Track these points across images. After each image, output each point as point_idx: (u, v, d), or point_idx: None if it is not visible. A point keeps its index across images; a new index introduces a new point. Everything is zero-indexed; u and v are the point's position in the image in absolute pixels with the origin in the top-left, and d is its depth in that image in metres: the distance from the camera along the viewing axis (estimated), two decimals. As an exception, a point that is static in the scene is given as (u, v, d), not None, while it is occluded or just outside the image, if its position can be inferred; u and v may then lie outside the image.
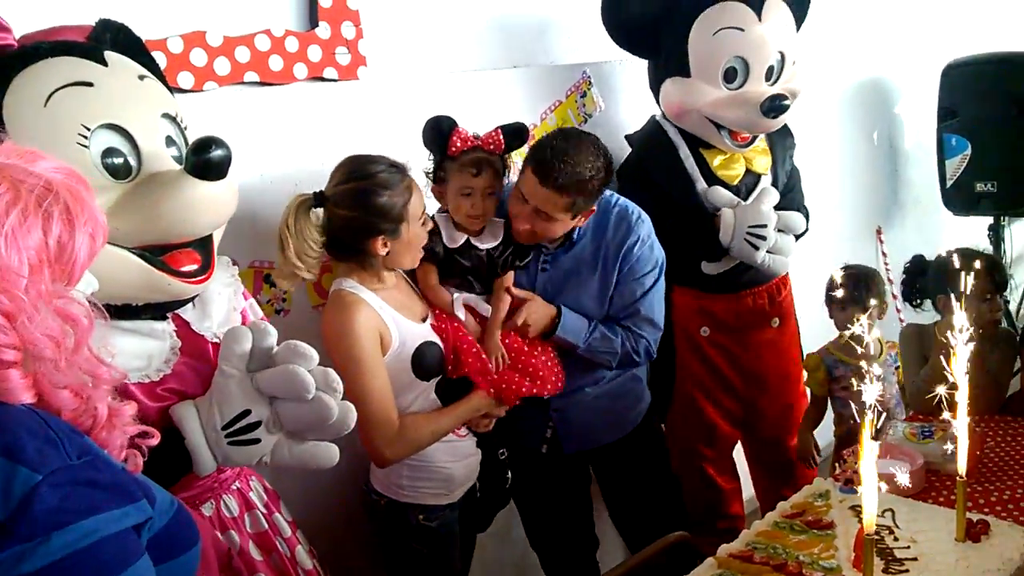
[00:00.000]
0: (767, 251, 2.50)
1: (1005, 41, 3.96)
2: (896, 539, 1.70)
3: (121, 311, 1.41)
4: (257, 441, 1.39)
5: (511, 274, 2.09)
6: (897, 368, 2.62)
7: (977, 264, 2.13)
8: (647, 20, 2.48)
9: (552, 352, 2.12)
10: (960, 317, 1.65)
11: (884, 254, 4.08)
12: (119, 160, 1.38)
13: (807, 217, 2.67)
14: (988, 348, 2.32)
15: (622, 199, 2.22)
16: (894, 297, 3.56)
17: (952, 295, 1.72)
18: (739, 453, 2.93)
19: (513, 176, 2.17)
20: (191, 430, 1.38)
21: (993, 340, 2.37)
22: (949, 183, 3.96)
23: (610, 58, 2.69)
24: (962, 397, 1.64)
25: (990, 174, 3.83)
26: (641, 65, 2.64)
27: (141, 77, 1.48)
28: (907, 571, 1.60)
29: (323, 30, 2.09)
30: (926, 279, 2.54)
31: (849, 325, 2.39)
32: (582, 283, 2.16)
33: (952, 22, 4.22)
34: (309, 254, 1.77)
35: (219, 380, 1.40)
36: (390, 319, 1.84)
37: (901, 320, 3.69)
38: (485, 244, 2.05)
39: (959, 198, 3.93)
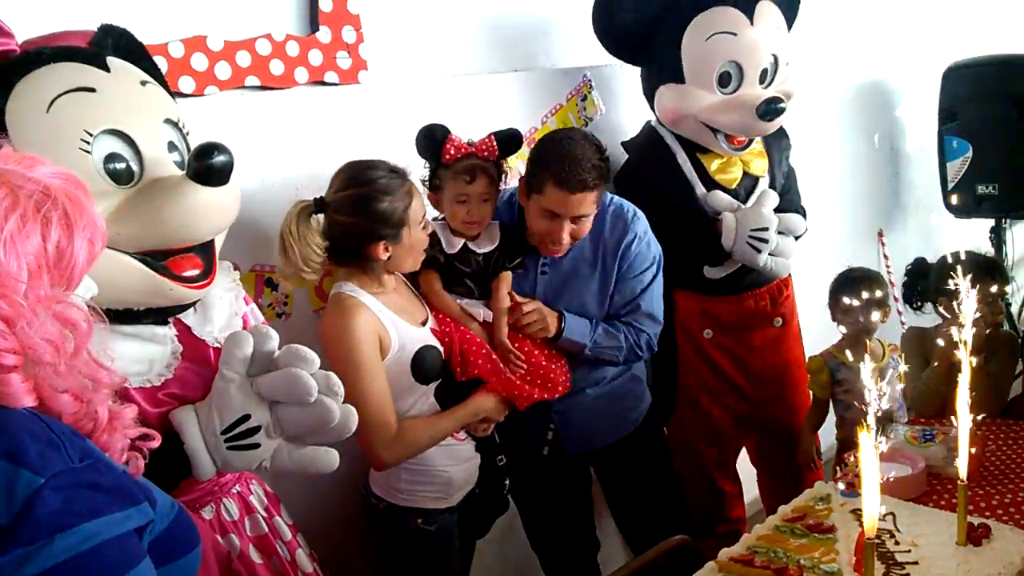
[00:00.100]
0: (769, 254, 2.51)
1: (1006, 43, 3.96)
2: (897, 543, 1.70)
3: (123, 316, 1.42)
4: (257, 446, 1.39)
5: (508, 275, 2.10)
6: (899, 371, 2.62)
7: (978, 267, 2.13)
8: (639, 27, 2.49)
9: (559, 352, 2.14)
10: (961, 321, 1.66)
11: (886, 256, 4.07)
12: (121, 165, 1.38)
13: (804, 216, 2.67)
14: (989, 351, 2.32)
15: (616, 198, 2.24)
16: (895, 300, 3.56)
17: (953, 298, 1.72)
18: (740, 456, 2.93)
19: (511, 182, 2.18)
20: (190, 435, 1.38)
21: (994, 343, 2.37)
22: (950, 185, 3.96)
23: (611, 61, 2.70)
24: (963, 400, 1.65)
25: (991, 176, 3.82)
26: (642, 68, 2.64)
27: (143, 83, 1.48)
28: (908, 575, 1.60)
29: (324, 34, 2.10)
30: (927, 282, 2.54)
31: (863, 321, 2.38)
32: (582, 284, 2.17)
33: (953, 24, 4.22)
34: (313, 259, 1.78)
35: (219, 384, 1.40)
36: (390, 323, 1.85)
37: (902, 323, 3.69)
38: (483, 248, 2.07)
39: (960, 200, 3.92)
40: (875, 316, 2.35)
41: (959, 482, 1.67)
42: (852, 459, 1.92)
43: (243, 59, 1.96)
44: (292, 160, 2.06)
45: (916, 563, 1.63)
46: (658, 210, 2.33)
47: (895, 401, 2.54)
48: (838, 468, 2.04)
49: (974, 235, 4.00)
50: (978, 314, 1.70)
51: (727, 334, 2.67)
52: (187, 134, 1.53)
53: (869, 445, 1.37)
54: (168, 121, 1.48)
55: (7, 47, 1.36)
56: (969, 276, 1.75)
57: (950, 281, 1.77)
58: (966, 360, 1.65)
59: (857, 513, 1.72)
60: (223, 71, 1.93)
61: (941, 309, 2.45)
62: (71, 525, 0.82)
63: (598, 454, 2.37)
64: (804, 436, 2.67)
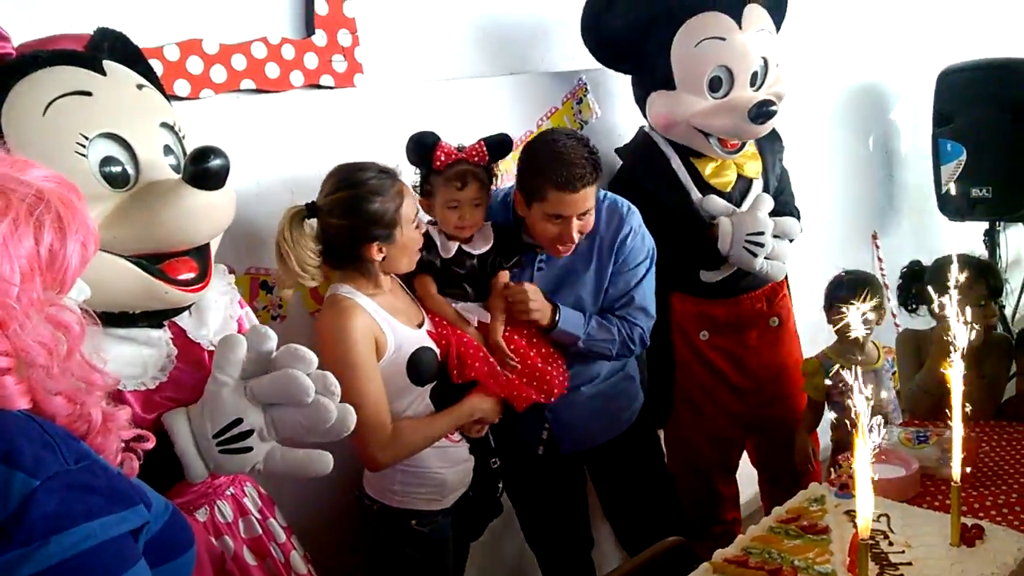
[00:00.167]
0: (765, 257, 2.52)
1: (1000, 47, 3.98)
2: (891, 544, 1.71)
3: (118, 319, 1.42)
4: (249, 449, 1.38)
5: (505, 273, 2.11)
6: (894, 373, 2.63)
7: (971, 270, 2.14)
8: (628, 36, 2.50)
9: (556, 352, 2.15)
10: (954, 323, 1.66)
11: (880, 259, 4.08)
12: (117, 169, 1.38)
13: (798, 218, 2.68)
14: (983, 353, 2.33)
15: (610, 194, 2.25)
16: (889, 302, 3.57)
17: (946, 301, 1.73)
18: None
19: (501, 183, 2.18)
20: (180, 437, 1.38)
21: (988, 345, 2.38)
22: (944, 188, 3.97)
23: (606, 65, 2.70)
24: (957, 402, 1.65)
25: (985, 179, 3.84)
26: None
27: (139, 86, 1.48)
28: (902, 575, 1.61)
29: (319, 38, 2.10)
30: (922, 284, 2.54)
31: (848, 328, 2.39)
32: (578, 279, 2.19)
33: (947, 28, 4.24)
34: (309, 263, 1.79)
35: (212, 388, 1.39)
36: (386, 324, 1.85)
37: (897, 326, 3.70)
38: (478, 250, 2.08)
39: (954, 203, 3.94)
40: (870, 319, 2.36)
41: (952, 483, 1.67)
42: (846, 461, 1.92)
43: (238, 62, 1.96)
44: (287, 164, 2.06)
45: (910, 564, 1.64)
46: (654, 215, 2.34)
47: (890, 403, 2.55)
48: (832, 470, 2.05)
49: (968, 238, 4.02)
50: (971, 318, 1.70)
51: (723, 335, 2.67)
52: (183, 138, 1.53)
53: (863, 447, 1.38)
54: (164, 125, 1.49)
55: (3, 50, 1.36)
56: (963, 278, 1.76)
57: (943, 284, 1.78)
58: (959, 362, 1.65)
59: (851, 514, 1.73)
60: (218, 74, 1.93)
61: (935, 312, 2.45)
62: (66, 527, 0.82)
63: (591, 453, 2.38)
64: (799, 438, 2.68)
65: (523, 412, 2.07)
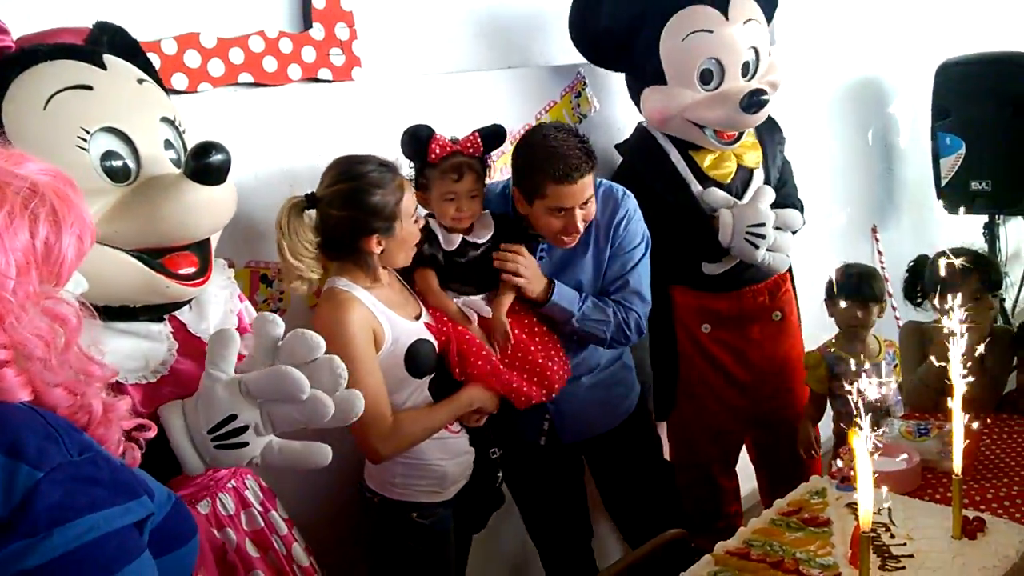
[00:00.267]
0: (767, 249, 2.52)
1: (999, 41, 3.98)
2: (892, 536, 1.71)
3: (118, 313, 1.42)
4: (245, 444, 1.36)
5: (521, 246, 2.11)
6: (895, 366, 2.63)
7: (970, 263, 2.14)
8: (616, 34, 2.50)
9: (558, 345, 2.15)
10: (954, 316, 1.66)
11: (880, 252, 4.08)
12: (118, 163, 1.38)
13: (801, 210, 2.68)
14: (985, 346, 2.32)
15: (605, 181, 2.26)
16: (890, 295, 3.57)
17: (946, 294, 1.73)
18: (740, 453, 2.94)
19: (496, 176, 2.18)
20: (174, 430, 1.36)
21: (989, 338, 2.38)
22: (944, 182, 3.98)
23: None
24: (958, 395, 1.65)
25: (985, 173, 3.84)
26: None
27: (140, 80, 1.48)
28: (903, 568, 1.61)
29: (317, 31, 2.10)
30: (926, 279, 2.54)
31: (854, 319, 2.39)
32: (577, 265, 2.20)
33: (946, 21, 4.24)
34: (304, 254, 1.78)
35: (206, 383, 1.37)
36: (383, 316, 1.85)
37: (897, 319, 3.70)
38: (481, 239, 2.08)
39: (954, 197, 3.93)
40: (872, 312, 2.36)
41: (954, 476, 1.68)
42: (847, 453, 1.92)
43: (236, 56, 1.96)
44: (286, 157, 2.06)
45: (911, 556, 1.64)
46: (655, 209, 2.34)
47: (891, 396, 2.55)
48: (834, 462, 2.05)
49: (968, 231, 4.02)
50: (969, 312, 1.70)
51: (726, 329, 2.67)
52: (183, 132, 1.53)
53: (864, 439, 1.38)
54: (165, 119, 1.48)
55: (3, 44, 1.36)
56: (953, 272, 1.76)
57: (934, 280, 1.78)
58: (958, 354, 1.65)
59: (852, 507, 1.73)
60: (216, 68, 1.92)
61: (936, 305, 2.45)
62: (70, 518, 0.82)
63: (591, 443, 2.39)
64: (803, 426, 2.69)
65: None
